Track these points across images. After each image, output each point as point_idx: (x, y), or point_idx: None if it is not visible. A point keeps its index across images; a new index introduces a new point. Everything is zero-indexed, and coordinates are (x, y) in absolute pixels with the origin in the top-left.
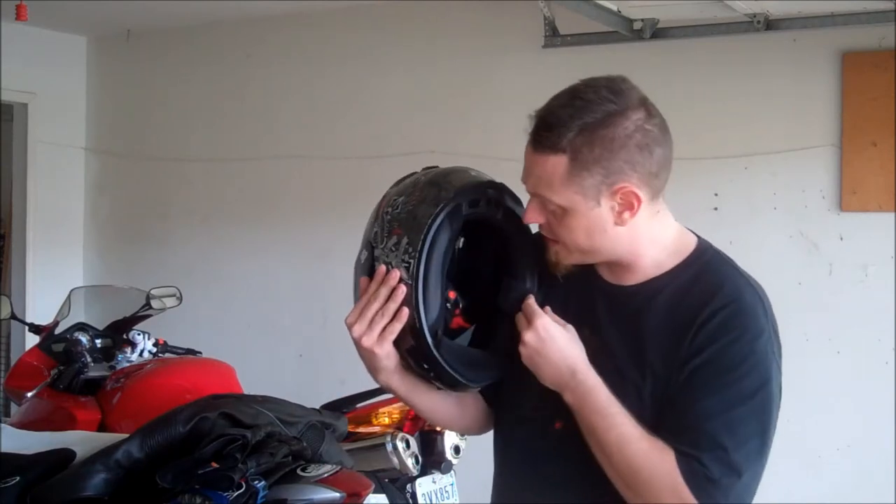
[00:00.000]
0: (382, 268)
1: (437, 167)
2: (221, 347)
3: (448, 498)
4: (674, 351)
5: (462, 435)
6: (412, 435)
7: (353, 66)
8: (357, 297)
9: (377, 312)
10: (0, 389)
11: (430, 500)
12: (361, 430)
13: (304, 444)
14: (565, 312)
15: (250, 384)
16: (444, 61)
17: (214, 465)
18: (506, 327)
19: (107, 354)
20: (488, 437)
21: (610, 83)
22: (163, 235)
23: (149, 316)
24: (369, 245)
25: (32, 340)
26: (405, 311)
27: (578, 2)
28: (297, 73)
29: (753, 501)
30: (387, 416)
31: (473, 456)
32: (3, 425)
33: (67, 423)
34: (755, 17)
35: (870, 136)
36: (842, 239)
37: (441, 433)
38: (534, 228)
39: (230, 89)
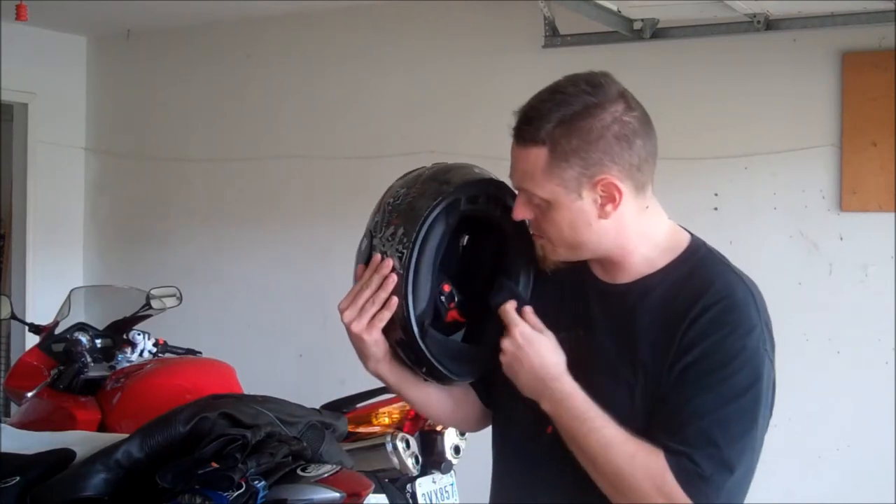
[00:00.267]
0: (377, 256)
1: (444, 163)
2: (221, 347)
3: (448, 498)
4: (665, 348)
5: (460, 432)
6: (412, 435)
7: (353, 66)
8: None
9: (368, 300)
10: (0, 389)
11: (430, 500)
12: (361, 430)
13: (304, 444)
14: (560, 311)
15: (250, 384)
16: (444, 61)
17: (214, 465)
18: (497, 325)
19: (107, 354)
20: (488, 438)
21: (590, 77)
22: (163, 235)
23: (149, 316)
24: (370, 233)
25: (32, 340)
26: (394, 299)
27: (578, 2)
28: (297, 73)
29: (753, 501)
30: (387, 416)
31: (473, 456)
32: (3, 425)
33: (67, 423)
34: (755, 17)
35: (870, 136)
36: (842, 239)
37: (441, 433)
38: None
39: (230, 89)
